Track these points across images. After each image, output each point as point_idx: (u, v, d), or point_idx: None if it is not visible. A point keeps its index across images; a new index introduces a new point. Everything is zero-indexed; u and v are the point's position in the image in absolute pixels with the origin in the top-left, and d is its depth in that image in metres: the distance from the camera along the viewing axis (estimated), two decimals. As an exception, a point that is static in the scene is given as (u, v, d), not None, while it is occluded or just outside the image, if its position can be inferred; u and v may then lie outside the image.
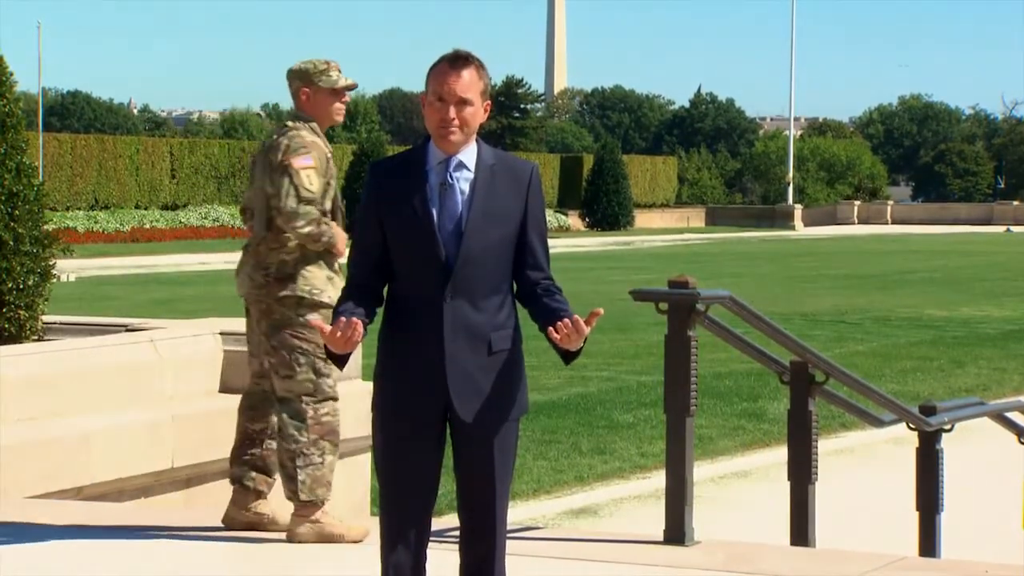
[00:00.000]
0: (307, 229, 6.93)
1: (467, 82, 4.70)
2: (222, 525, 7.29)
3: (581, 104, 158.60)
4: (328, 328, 4.60)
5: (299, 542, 7.01)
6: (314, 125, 7.18)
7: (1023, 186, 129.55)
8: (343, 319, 4.60)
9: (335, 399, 7.09)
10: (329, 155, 7.14)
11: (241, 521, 7.20)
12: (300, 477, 7.01)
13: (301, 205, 6.92)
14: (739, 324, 8.16)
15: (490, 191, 4.71)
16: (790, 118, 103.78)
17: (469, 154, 4.74)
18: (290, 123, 7.18)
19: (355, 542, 7.00)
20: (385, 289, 4.81)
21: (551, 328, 4.67)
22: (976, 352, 22.36)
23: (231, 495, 7.30)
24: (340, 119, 7.35)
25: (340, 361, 4.71)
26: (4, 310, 9.51)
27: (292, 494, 7.05)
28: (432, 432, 4.73)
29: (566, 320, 4.66)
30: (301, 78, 7.21)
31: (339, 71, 7.21)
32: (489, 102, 4.82)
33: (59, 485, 8.14)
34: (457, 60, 4.73)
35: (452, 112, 4.68)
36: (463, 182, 4.71)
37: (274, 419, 7.17)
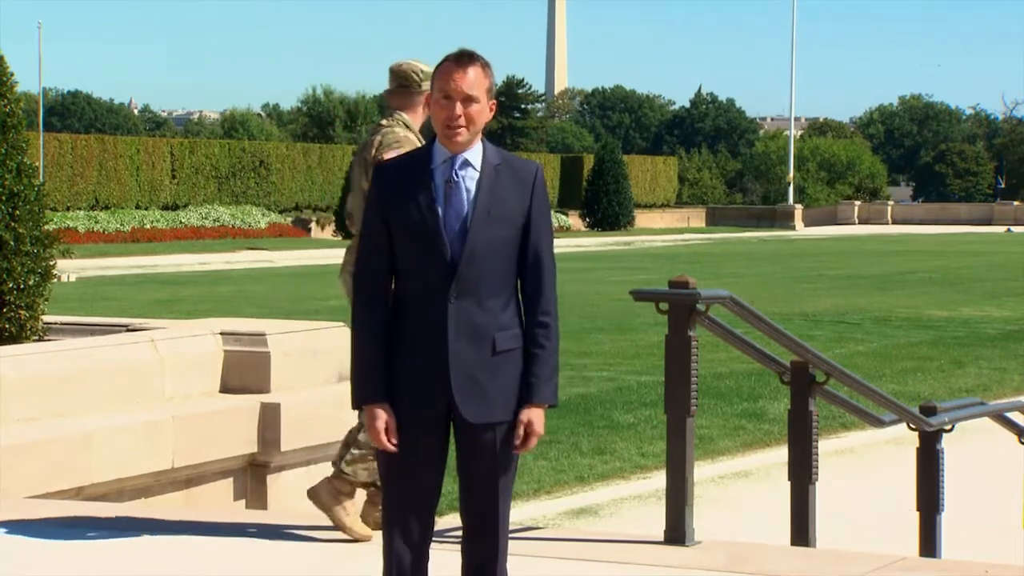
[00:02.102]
0: None
1: (473, 79, 4.71)
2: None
3: (581, 104, 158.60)
4: (380, 435, 4.70)
5: (313, 501, 7.10)
6: (411, 122, 7.15)
7: (1023, 186, 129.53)
8: (381, 421, 4.69)
9: None
10: None
11: (377, 521, 7.14)
12: (353, 448, 7.10)
13: None
14: (739, 324, 8.15)
15: (495, 190, 4.71)
16: (790, 118, 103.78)
17: (475, 153, 4.74)
18: (385, 122, 7.18)
19: (354, 539, 7.00)
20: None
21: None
22: (976, 352, 22.35)
23: (366, 497, 7.29)
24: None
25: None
26: (5, 310, 9.51)
27: (338, 459, 7.16)
28: (435, 432, 4.73)
29: (520, 429, 4.76)
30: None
31: None
32: (495, 101, 4.83)
33: (59, 485, 8.14)
34: (462, 58, 4.74)
35: (459, 109, 4.69)
36: (468, 180, 4.71)
37: None
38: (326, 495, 7.10)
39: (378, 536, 6.91)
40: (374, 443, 4.75)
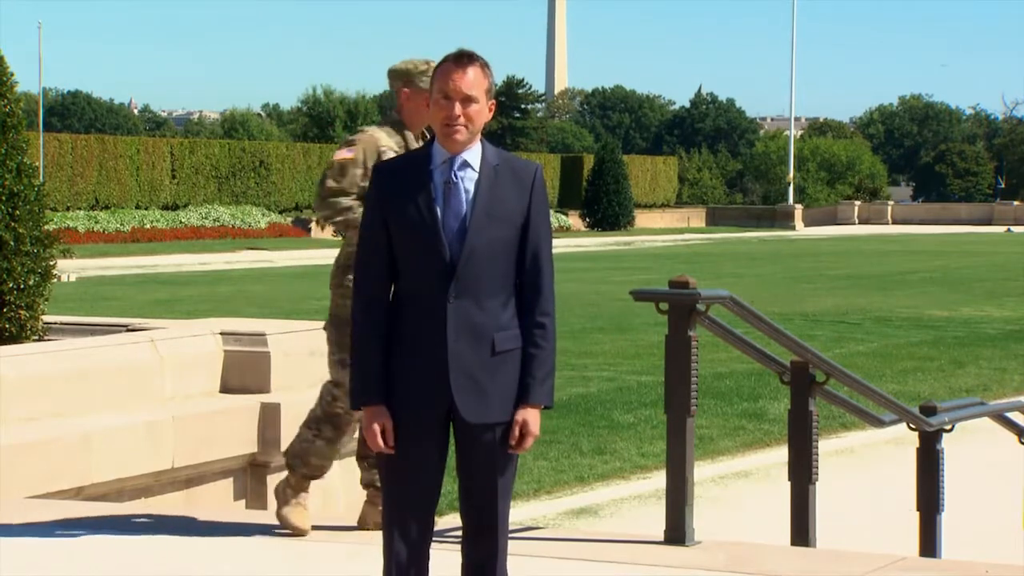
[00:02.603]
0: (335, 218, 6.99)
1: (472, 79, 4.72)
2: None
3: (582, 104, 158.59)
4: (377, 438, 4.69)
5: (275, 495, 7.23)
6: (406, 123, 7.17)
7: (1023, 186, 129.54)
8: (378, 423, 4.68)
9: None
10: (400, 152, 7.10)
11: (377, 522, 7.14)
12: (293, 439, 7.24)
13: (327, 195, 6.98)
14: (739, 324, 8.15)
15: (494, 190, 4.72)
16: (790, 118, 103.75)
17: (474, 153, 4.75)
18: (377, 124, 7.21)
19: (289, 530, 7.06)
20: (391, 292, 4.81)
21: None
22: (976, 352, 22.35)
23: (366, 497, 7.30)
24: None
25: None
26: (5, 310, 9.51)
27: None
28: (435, 432, 4.73)
29: (515, 430, 4.72)
30: (401, 78, 7.14)
31: None
32: (494, 102, 4.84)
33: (59, 485, 8.14)
34: (462, 58, 4.74)
35: (458, 109, 4.70)
36: (467, 181, 4.72)
37: None
38: (279, 491, 7.22)
39: (362, 535, 6.95)
40: (371, 446, 4.74)
